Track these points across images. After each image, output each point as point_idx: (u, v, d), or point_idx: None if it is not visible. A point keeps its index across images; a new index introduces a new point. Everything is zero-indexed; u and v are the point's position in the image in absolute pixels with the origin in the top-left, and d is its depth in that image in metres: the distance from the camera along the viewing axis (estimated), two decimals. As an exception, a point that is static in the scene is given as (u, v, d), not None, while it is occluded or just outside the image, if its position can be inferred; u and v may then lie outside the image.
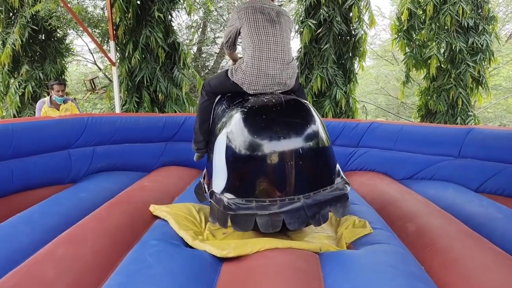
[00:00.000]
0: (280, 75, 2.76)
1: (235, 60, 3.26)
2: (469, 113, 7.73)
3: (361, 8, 7.23)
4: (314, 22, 7.05)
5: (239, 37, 2.95)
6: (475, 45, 7.54)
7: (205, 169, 3.25)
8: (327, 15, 7.11)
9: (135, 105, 6.95)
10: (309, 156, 2.44)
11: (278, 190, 2.40)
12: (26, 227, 2.64)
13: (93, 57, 12.77)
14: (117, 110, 6.70)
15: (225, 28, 3.11)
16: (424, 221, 2.86)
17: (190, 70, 7.45)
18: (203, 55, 12.98)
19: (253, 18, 2.80)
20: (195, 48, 12.25)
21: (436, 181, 4.37)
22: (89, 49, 12.48)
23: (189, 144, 4.84)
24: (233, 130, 2.50)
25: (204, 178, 3.21)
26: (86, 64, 14.63)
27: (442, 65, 7.77)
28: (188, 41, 11.89)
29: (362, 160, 4.89)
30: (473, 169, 4.18)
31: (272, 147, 2.37)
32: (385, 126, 4.93)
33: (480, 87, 7.81)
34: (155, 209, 3.13)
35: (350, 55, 7.39)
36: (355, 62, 7.52)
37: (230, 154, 2.48)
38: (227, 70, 2.90)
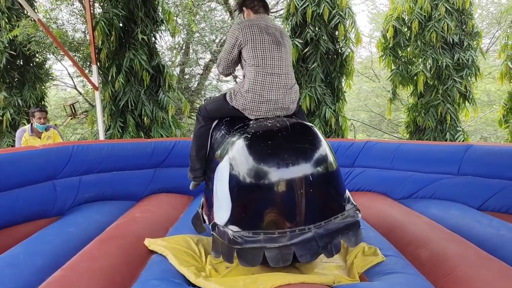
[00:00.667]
0: (283, 100, 2.61)
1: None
2: (457, 128, 7.73)
3: (347, 26, 7.21)
4: (301, 41, 6.99)
5: (241, 57, 2.76)
6: (460, 60, 7.58)
7: (203, 198, 3.06)
8: (314, 34, 7.06)
9: (120, 130, 6.73)
10: (319, 183, 2.28)
11: (288, 220, 2.23)
12: (10, 270, 2.41)
13: (73, 82, 12.50)
14: (101, 135, 6.47)
15: (223, 48, 2.89)
16: (438, 246, 2.71)
17: (175, 93, 7.28)
18: (186, 77, 12.85)
19: (259, 39, 2.61)
20: (178, 70, 12.11)
21: (437, 200, 4.26)
22: (69, 74, 12.22)
23: (179, 170, 4.73)
24: (237, 157, 2.33)
25: (202, 208, 3.01)
26: (65, 89, 14.33)
27: (429, 81, 7.78)
28: (170, 63, 11.75)
29: (358, 180, 4.77)
30: (474, 187, 4.09)
31: (280, 175, 2.20)
32: (381, 145, 4.83)
33: (467, 102, 7.83)
34: (150, 243, 2.92)
35: (338, 73, 7.34)
36: (343, 80, 7.47)
37: (234, 183, 2.30)
38: (225, 94, 2.73)
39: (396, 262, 2.56)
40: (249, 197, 2.28)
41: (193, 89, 12.55)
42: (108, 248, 2.75)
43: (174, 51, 11.66)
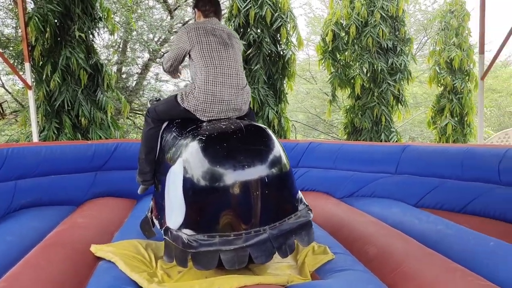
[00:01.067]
0: (235, 100, 2.62)
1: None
2: (391, 129, 8.13)
3: (288, 29, 7.34)
4: (244, 42, 7.02)
5: (189, 60, 2.76)
6: (394, 65, 7.98)
7: (152, 202, 2.98)
8: (257, 36, 7.12)
9: (55, 131, 6.38)
10: (274, 184, 2.31)
11: (244, 222, 2.24)
12: None
13: (0, 80, 11.71)
14: (35, 137, 6.11)
15: (169, 49, 2.86)
16: (383, 242, 2.84)
17: (114, 93, 7.03)
18: (123, 76, 12.47)
19: (205, 41, 2.63)
20: (115, 69, 11.72)
21: (377, 198, 4.46)
22: (-5, 71, 11.43)
23: (121, 173, 4.59)
24: (191, 159, 2.30)
25: (151, 212, 2.94)
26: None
27: (365, 84, 8.12)
28: (107, 61, 11.36)
29: (302, 180, 4.88)
30: (411, 185, 4.33)
31: (236, 177, 2.21)
32: (324, 146, 4.98)
33: (400, 104, 8.26)
34: (97, 249, 2.81)
35: (280, 75, 7.45)
36: (285, 82, 7.60)
37: (189, 186, 2.27)
38: (176, 95, 2.69)
39: (345, 260, 2.65)
40: (204, 200, 2.26)
41: (131, 89, 12.21)
42: (52, 256, 2.61)
43: (111, 50, 11.28)
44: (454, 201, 3.90)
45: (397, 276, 2.38)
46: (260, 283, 2.23)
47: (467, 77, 8.70)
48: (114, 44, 11.41)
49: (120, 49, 12.04)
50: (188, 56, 2.76)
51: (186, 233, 2.26)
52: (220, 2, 3.04)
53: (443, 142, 8.65)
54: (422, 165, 4.29)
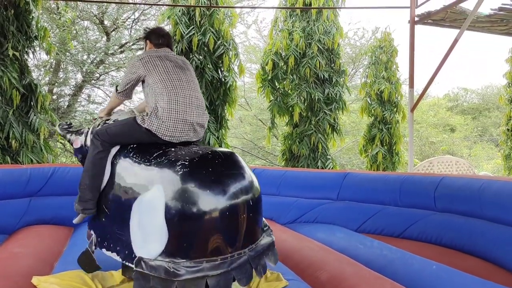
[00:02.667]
0: (197, 120, 2.64)
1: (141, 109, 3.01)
2: (328, 156, 8.44)
3: (230, 57, 7.48)
4: (186, 68, 7.03)
5: (144, 85, 2.73)
6: (330, 95, 8.35)
7: (92, 233, 2.73)
8: (199, 62, 7.17)
9: (-19, 154, 5.94)
10: (253, 207, 2.37)
11: (230, 245, 2.26)
12: None
13: None
14: (-42, 160, 5.65)
15: (123, 75, 2.83)
16: (334, 267, 2.93)
17: (48, 114, 6.70)
18: (54, 97, 11.92)
19: (161, 65, 2.64)
20: (46, 89, 11.18)
21: (320, 224, 4.59)
22: None
23: (58, 199, 4.36)
24: (175, 186, 2.23)
25: (96, 245, 2.73)
26: None
27: (303, 113, 8.40)
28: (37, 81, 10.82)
29: (246, 206, 4.90)
30: (352, 211, 4.51)
31: (226, 201, 2.23)
32: (268, 172, 5.07)
33: (335, 132, 8.61)
34: (40, 281, 2.66)
35: (222, 101, 7.52)
36: (225, 108, 7.67)
37: (174, 213, 2.19)
38: (134, 117, 2.63)
39: (298, 286, 2.70)
40: (193, 226, 2.20)
41: (62, 110, 11.67)
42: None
43: (43, 69, 10.77)
44: (394, 226, 4.12)
45: (352, 300, 2.46)
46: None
47: (395, 109, 9.29)
48: (46, 64, 10.92)
49: (52, 69, 11.53)
50: (142, 82, 2.74)
51: (170, 261, 2.18)
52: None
53: (374, 170, 9.10)
54: (362, 192, 4.50)
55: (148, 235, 2.25)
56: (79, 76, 12.46)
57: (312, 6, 8.15)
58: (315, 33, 8.22)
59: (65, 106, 12.04)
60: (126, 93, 2.86)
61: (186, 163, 2.29)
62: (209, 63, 7.24)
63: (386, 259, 3.14)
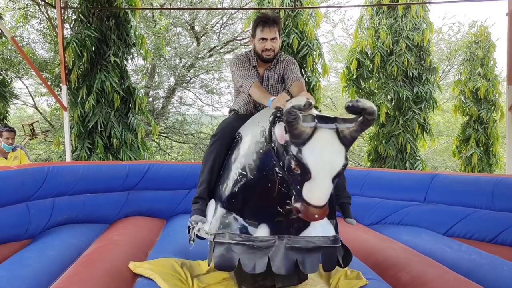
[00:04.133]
0: None
1: None
2: (417, 157, 8.12)
3: (314, 57, 7.50)
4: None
5: None
6: (419, 93, 8.03)
7: None
8: (284, 63, 7.28)
9: (87, 152, 6.59)
10: None
11: None
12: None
13: (33, 101, 12.11)
14: (68, 157, 6.33)
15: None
16: (417, 269, 2.86)
17: (144, 116, 7.26)
18: (150, 99, 12.79)
19: None
20: (143, 92, 12.07)
21: (406, 226, 4.44)
22: (29, 92, 11.82)
23: (152, 193, 4.68)
24: None
25: None
26: (22, 107, 13.85)
27: (390, 112, 8.16)
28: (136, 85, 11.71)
29: (329, 206, 4.89)
30: (440, 214, 4.31)
31: None
32: (351, 172, 4.99)
33: (425, 132, 8.26)
34: (135, 266, 2.91)
35: (306, 102, 7.55)
36: (310, 108, 7.69)
37: None
38: None
39: (378, 285, 2.68)
40: None
41: (157, 112, 12.50)
42: (92, 272, 2.72)
43: (140, 74, 11.62)
44: (485, 231, 3.88)
45: (434, 303, 2.40)
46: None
47: (492, 107, 8.68)
48: (143, 69, 11.76)
49: (148, 73, 12.38)
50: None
51: None
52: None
53: (469, 172, 8.57)
54: (451, 194, 4.28)
55: None
56: (172, 80, 13.24)
57: (400, 2, 7.89)
58: (403, 29, 7.96)
59: (160, 108, 12.86)
60: None
61: None
62: (294, 64, 7.32)
63: (474, 263, 2.99)
